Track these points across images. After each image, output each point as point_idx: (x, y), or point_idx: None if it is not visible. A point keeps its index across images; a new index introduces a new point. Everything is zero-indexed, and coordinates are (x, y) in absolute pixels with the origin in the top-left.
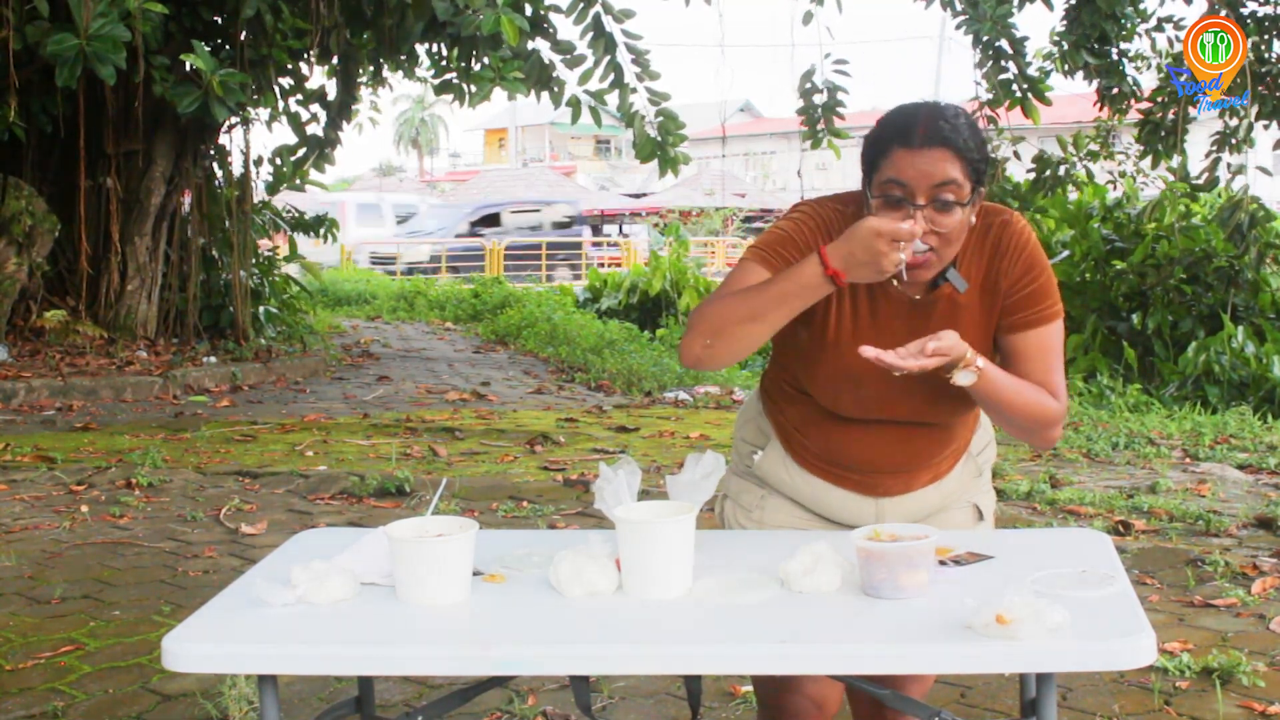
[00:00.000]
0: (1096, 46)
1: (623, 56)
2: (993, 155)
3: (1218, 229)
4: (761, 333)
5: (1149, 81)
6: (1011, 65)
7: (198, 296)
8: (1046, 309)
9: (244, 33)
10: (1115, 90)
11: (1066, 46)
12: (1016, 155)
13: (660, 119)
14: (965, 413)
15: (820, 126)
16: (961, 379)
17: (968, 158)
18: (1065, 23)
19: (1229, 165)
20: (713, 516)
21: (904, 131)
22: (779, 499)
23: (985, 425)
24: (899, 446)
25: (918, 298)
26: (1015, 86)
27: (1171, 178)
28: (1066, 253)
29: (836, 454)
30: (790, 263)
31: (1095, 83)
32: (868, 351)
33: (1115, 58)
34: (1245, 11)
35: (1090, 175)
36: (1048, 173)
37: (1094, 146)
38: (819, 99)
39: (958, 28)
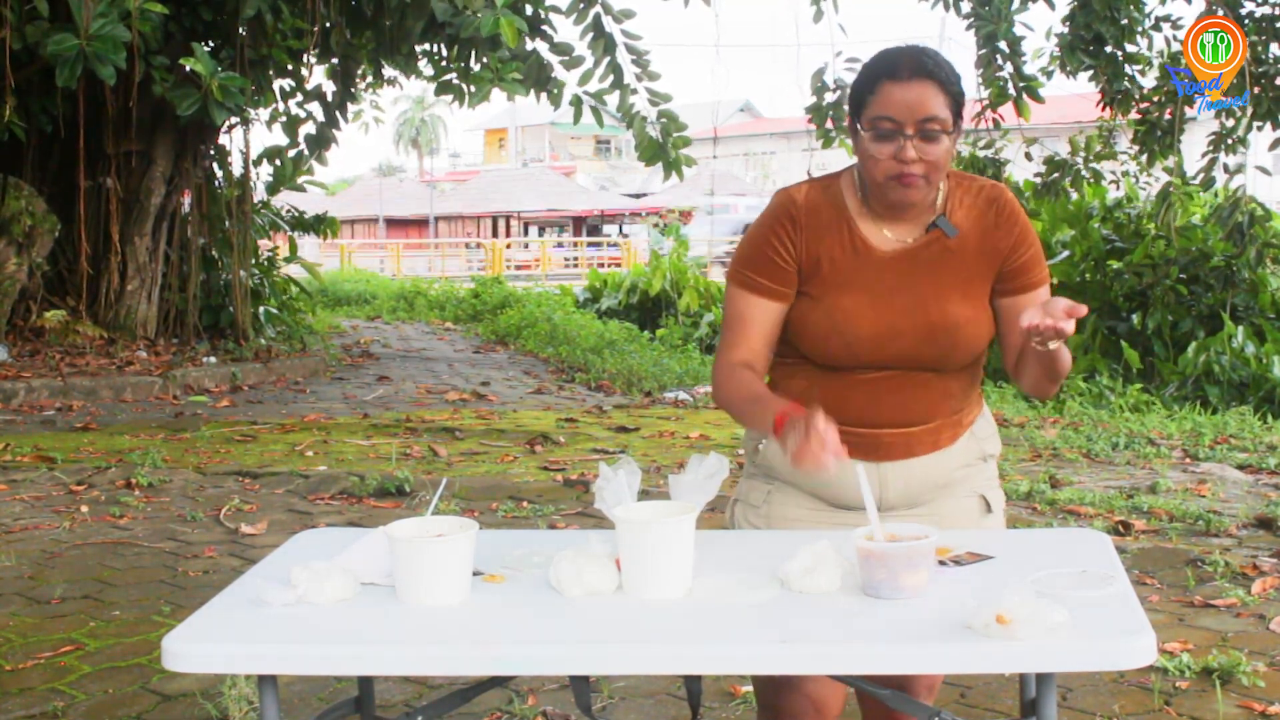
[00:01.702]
0: (1093, 48)
1: (623, 57)
2: (996, 156)
3: (1216, 229)
4: (751, 426)
5: (1149, 82)
6: (1007, 65)
7: (198, 296)
8: (1042, 273)
9: (244, 33)
10: (1121, 91)
11: (1063, 48)
12: (1028, 156)
13: (662, 120)
14: (956, 357)
15: (830, 125)
16: (1047, 347)
17: (950, 91)
18: (1065, 24)
19: (1225, 165)
20: (713, 517)
21: (891, 68)
22: (785, 491)
23: (988, 415)
24: (895, 396)
25: (909, 241)
26: (1010, 86)
27: (1169, 178)
28: (1066, 253)
29: (835, 410)
30: (770, 287)
31: (1103, 82)
32: (1028, 318)
33: (1120, 59)
34: (1244, 11)
35: (1099, 176)
36: (1055, 175)
37: (1099, 147)
38: (830, 97)
39: (967, 29)
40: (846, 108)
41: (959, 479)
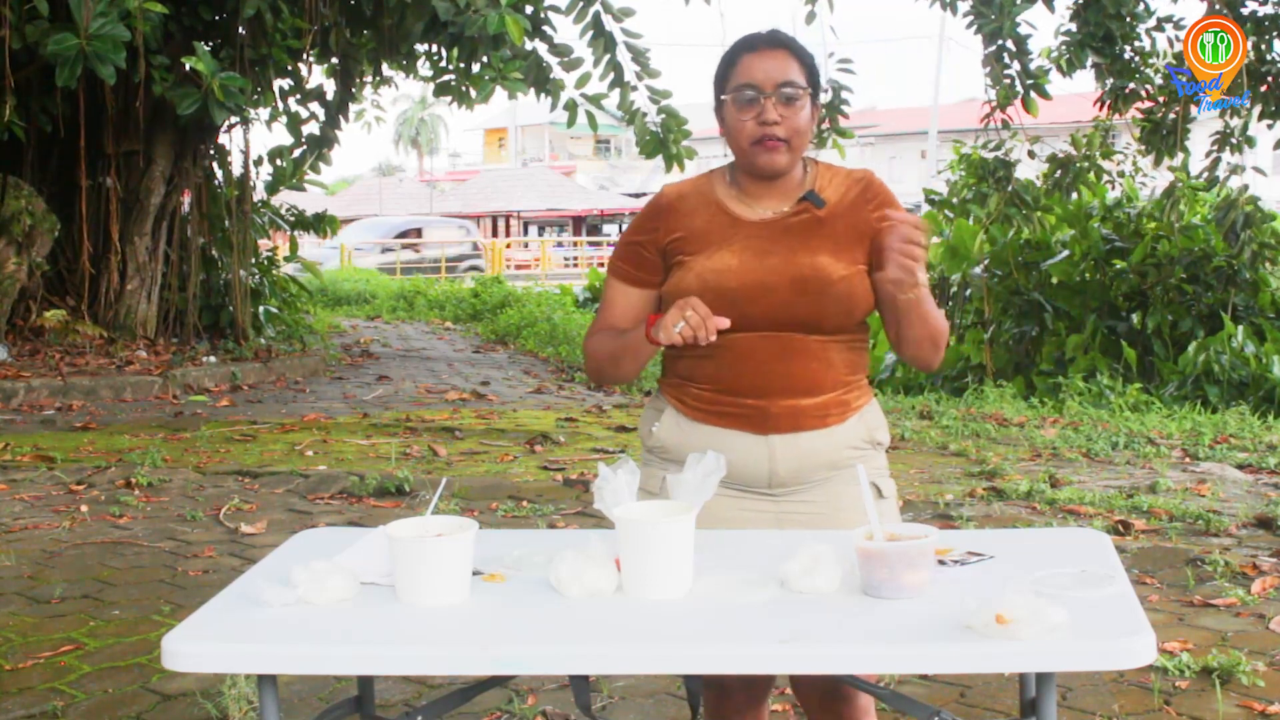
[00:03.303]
0: (1102, 45)
1: (622, 55)
2: (1005, 158)
3: (1216, 228)
4: (633, 365)
5: (1156, 80)
6: (1015, 63)
7: (197, 296)
8: None
9: (243, 32)
10: (1127, 89)
11: (1072, 45)
12: (1032, 155)
13: (662, 116)
14: (830, 314)
15: (825, 126)
16: (911, 294)
17: (804, 61)
18: (1073, 22)
19: (1229, 165)
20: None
21: (749, 42)
22: (678, 474)
23: (878, 407)
24: (778, 363)
25: (781, 211)
26: (1018, 84)
27: (1172, 176)
28: (1066, 253)
29: (724, 379)
30: (635, 275)
31: (1108, 81)
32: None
33: (1128, 56)
34: (1245, 11)
35: (1101, 173)
36: (1059, 172)
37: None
38: (824, 98)
39: (968, 26)
40: (712, 95)
41: (847, 462)
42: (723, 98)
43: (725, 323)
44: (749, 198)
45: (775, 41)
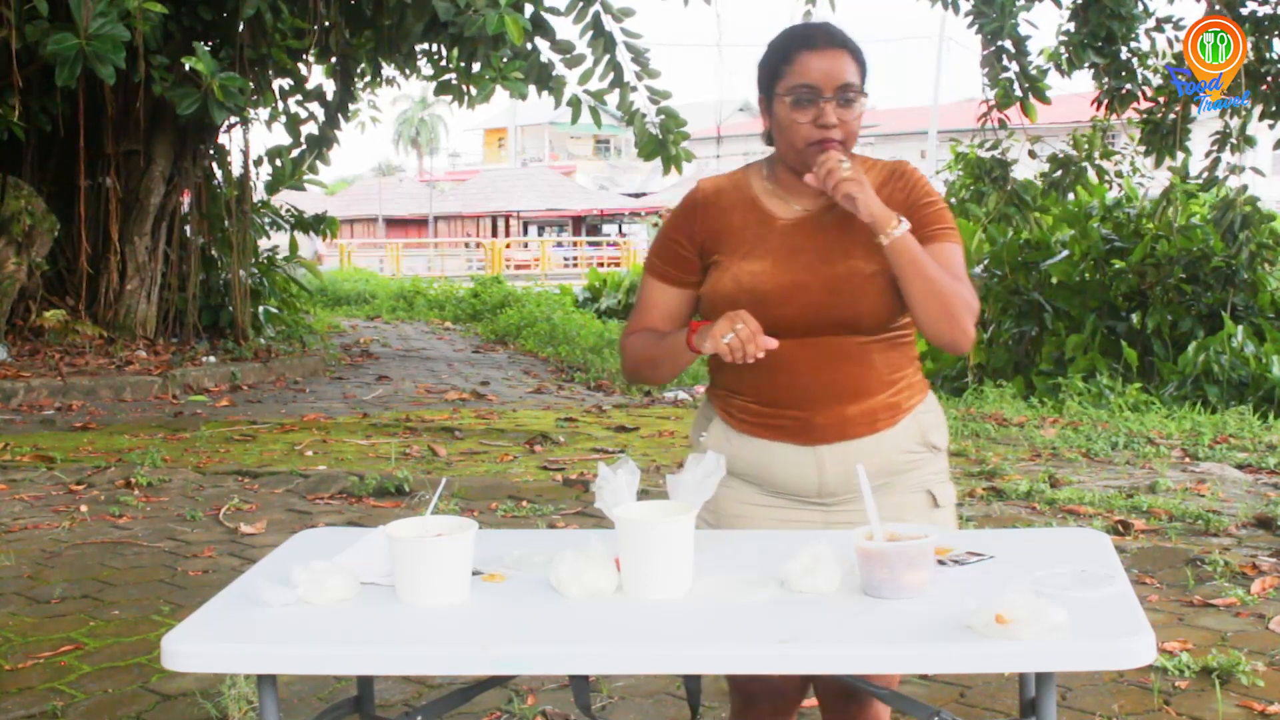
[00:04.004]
0: (1103, 45)
1: (622, 55)
2: (1002, 158)
3: (1215, 228)
4: (671, 370)
5: (1155, 80)
6: (1013, 65)
7: (197, 296)
8: (946, 228)
9: (243, 32)
10: (1124, 89)
11: (1072, 45)
12: (1032, 154)
13: (661, 117)
14: (866, 313)
15: None
16: (884, 239)
17: (859, 60)
18: (1072, 22)
19: (1228, 165)
20: None
21: (806, 37)
22: (728, 484)
23: (934, 406)
24: (820, 371)
25: (813, 208)
26: (1016, 85)
27: (1171, 176)
28: (1066, 253)
29: (765, 390)
30: (673, 274)
31: (1105, 81)
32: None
33: (1125, 57)
34: (1245, 11)
35: (1103, 173)
36: (1059, 172)
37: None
38: None
39: (969, 26)
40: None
41: (903, 468)
42: (775, 93)
43: (773, 343)
44: (785, 191)
45: (833, 39)
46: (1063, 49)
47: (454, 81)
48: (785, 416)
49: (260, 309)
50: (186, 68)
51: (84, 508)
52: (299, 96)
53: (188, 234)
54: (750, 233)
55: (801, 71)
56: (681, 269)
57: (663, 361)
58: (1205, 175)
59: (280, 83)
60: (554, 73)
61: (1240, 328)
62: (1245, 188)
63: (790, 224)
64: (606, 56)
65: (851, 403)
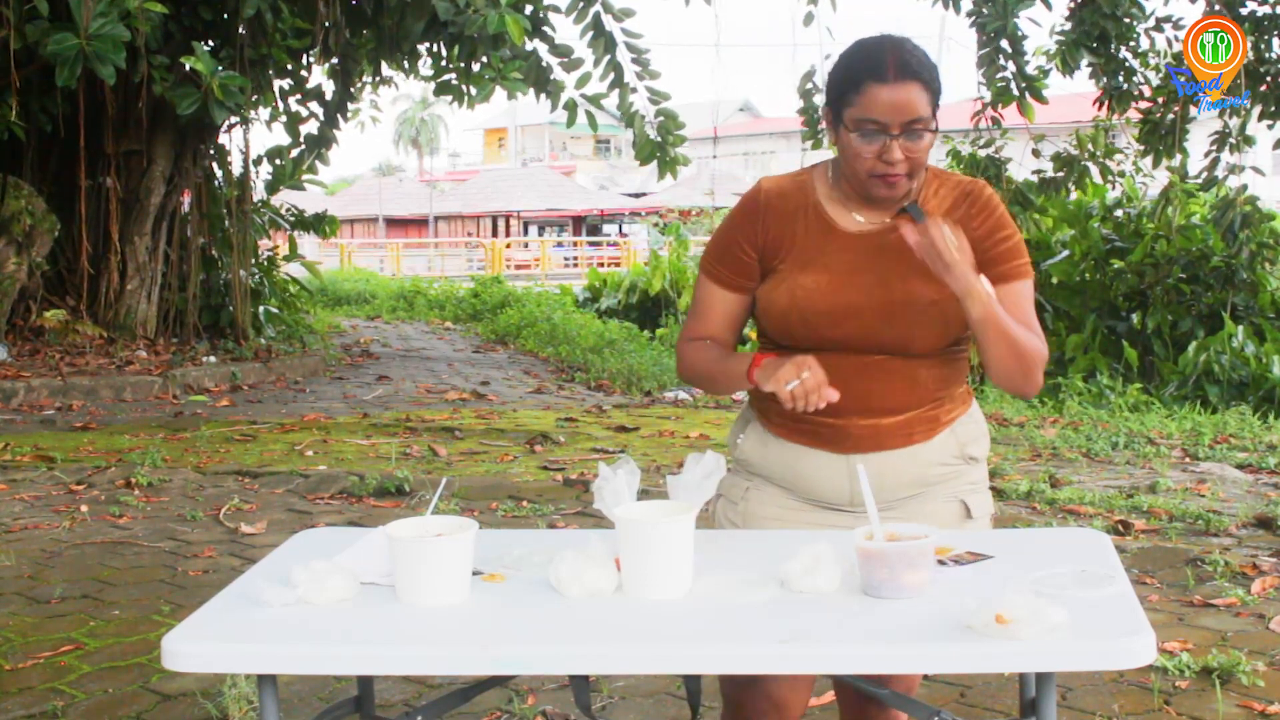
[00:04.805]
0: (1096, 45)
1: (622, 56)
2: (996, 155)
3: (1215, 228)
4: (726, 389)
5: (1151, 80)
6: (1010, 64)
7: (197, 296)
8: (1021, 265)
9: (243, 32)
10: (1123, 89)
11: (1067, 45)
12: (1036, 154)
13: (660, 119)
14: (918, 340)
15: (821, 126)
16: (972, 308)
17: (932, 88)
18: (1069, 21)
19: (1228, 164)
20: (705, 516)
21: (877, 68)
22: (761, 488)
23: (976, 417)
24: (860, 383)
25: (878, 224)
26: (1013, 85)
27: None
28: (1066, 252)
29: None
30: (733, 279)
31: (1103, 81)
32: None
33: (1122, 56)
34: (1245, 11)
35: (1107, 172)
36: (1062, 171)
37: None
38: (819, 99)
39: (970, 25)
40: (824, 97)
41: (937, 479)
42: (841, 118)
43: (835, 396)
44: (849, 203)
45: (905, 70)
46: (1058, 48)
47: (454, 81)
48: (821, 424)
49: (260, 309)
50: (186, 68)
51: (84, 508)
52: (299, 96)
53: (188, 234)
54: (811, 243)
55: (869, 105)
56: (742, 274)
57: (720, 381)
58: (1205, 175)
59: (280, 83)
60: (552, 76)
61: (1240, 327)
62: (1245, 187)
63: (852, 238)
64: (607, 57)
65: (888, 415)
